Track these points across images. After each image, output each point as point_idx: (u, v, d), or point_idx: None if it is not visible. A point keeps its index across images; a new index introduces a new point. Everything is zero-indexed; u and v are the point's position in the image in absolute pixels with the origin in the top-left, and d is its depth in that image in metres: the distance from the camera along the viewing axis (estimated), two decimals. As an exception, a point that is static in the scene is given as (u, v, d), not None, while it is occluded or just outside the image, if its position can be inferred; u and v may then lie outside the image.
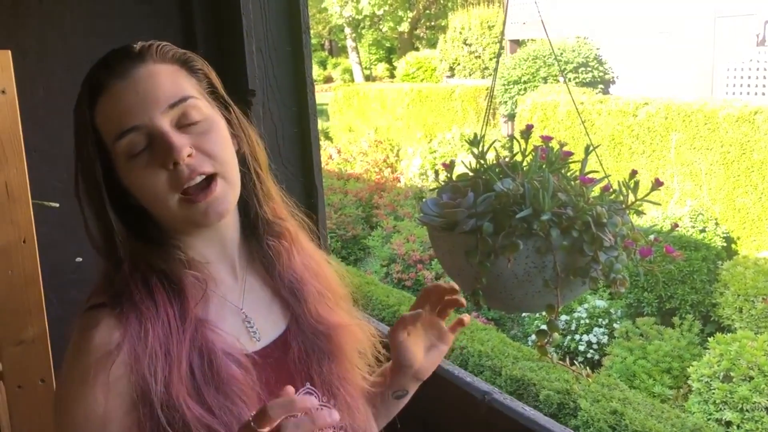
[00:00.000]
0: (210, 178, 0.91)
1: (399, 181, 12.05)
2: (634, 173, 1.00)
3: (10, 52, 1.39)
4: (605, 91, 12.78)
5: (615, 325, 6.30)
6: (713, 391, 4.84)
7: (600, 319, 6.34)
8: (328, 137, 17.04)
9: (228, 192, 0.93)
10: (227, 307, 0.98)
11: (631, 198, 0.99)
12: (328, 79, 30.18)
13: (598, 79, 12.91)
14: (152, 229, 0.96)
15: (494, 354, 4.65)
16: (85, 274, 1.68)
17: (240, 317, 0.99)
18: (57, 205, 1.71)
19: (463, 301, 1.11)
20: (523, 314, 6.15)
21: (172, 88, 0.91)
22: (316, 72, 30.09)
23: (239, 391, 0.89)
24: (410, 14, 25.77)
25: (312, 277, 1.08)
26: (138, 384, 0.85)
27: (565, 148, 1.04)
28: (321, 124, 17.60)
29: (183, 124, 0.90)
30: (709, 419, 4.79)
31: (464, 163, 1.08)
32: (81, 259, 1.89)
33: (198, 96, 0.93)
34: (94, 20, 1.99)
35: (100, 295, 0.92)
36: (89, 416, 0.85)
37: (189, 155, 0.88)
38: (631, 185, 0.99)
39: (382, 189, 10.67)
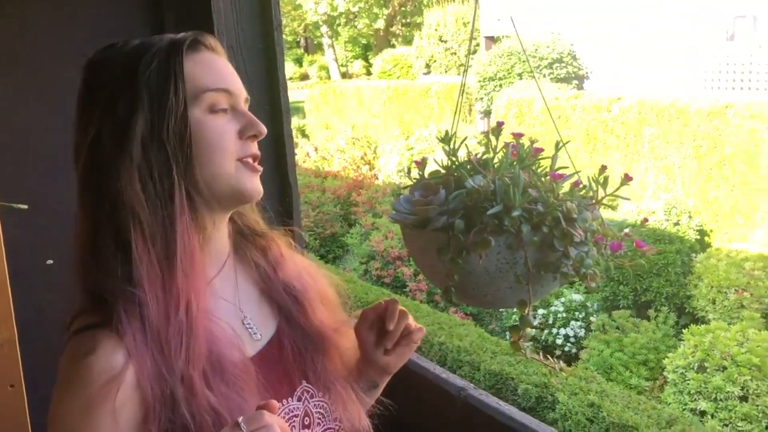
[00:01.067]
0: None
1: (377, 179, 12.05)
2: (603, 168, 1.00)
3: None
4: (580, 87, 12.89)
5: (591, 318, 6.37)
6: (688, 381, 4.91)
7: (577, 313, 6.41)
8: (304, 135, 16.97)
9: None
10: (227, 307, 1.00)
11: (601, 193, 1.00)
12: (305, 77, 30.06)
13: (573, 75, 13.01)
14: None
15: (473, 349, 4.68)
16: (56, 277, 1.65)
17: (239, 317, 1.01)
18: (25, 207, 1.68)
19: (396, 313, 1.10)
20: (499, 309, 6.19)
21: (245, 91, 1.00)
22: (293, 69, 29.98)
23: (242, 383, 0.90)
24: (386, 11, 25.76)
25: (310, 279, 1.11)
26: (150, 396, 0.83)
27: (540, 144, 1.04)
28: (297, 121, 17.52)
29: None
30: (684, 409, 4.86)
31: (436, 160, 1.08)
32: (52, 262, 1.86)
33: None
34: (58, 16, 1.95)
35: (87, 316, 0.88)
36: None
37: None
38: (601, 180, 1.00)
39: (360, 186, 10.65)
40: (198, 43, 0.95)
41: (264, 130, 0.96)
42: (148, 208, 0.88)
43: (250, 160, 0.96)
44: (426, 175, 1.07)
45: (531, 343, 1.06)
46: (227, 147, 0.93)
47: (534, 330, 6.17)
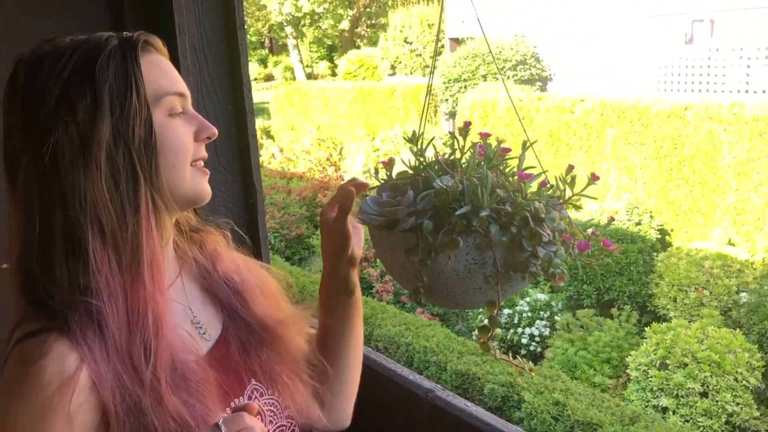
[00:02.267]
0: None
1: (343, 180, 12.00)
2: (570, 168, 1.01)
3: None
4: (543, 89, 13.05)
5: (556, 317, 6.44)
6: (650, 378, 4.99)
7: (541, 312, 6.47)
8: (269, 136, 16.85)
9: None
10: (178, 308, 0.98)
11: (569, 193, 1.00)
12: (269, 77, 29.87)
13: (536, 77, 13.17)
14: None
15: (439, 349, 4.68)
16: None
17: (189, 317, 1.00)
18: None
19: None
20: (468, 310, 6.22)
21: None
22: (257, 70, 29.76)
23: (202, 389, 0.89)
24: (350, 12, 25.74)
25: (246, 272, 1.10)
26: (111, 403, 0.81)
27: (504, 145, 1.04)
28: (262, 122, 17.39)
29: None
30: (646, 406, 4.94)
31: (403, 161, 1.07)
32: (7, 266, 1.80)
33: None
34: (14, 12, 1.89)
35: (33, 322, 0.84)
36: None
37: None
38: (568, 180, 1.00)
39: (326, 187, 10.61)
40: (148, 44, 0.93)
41: (216, 131, 0.97)
42: (113, 216, 0.84)
43: (201, 163, 0.97)
44: (393, 175, 1.06)
45: (497, 342, 1.06)
46: (187, 150, 0.93)
47: (500, 330, 6.21)
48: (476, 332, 6.28)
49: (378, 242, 1.05)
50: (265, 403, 1.03)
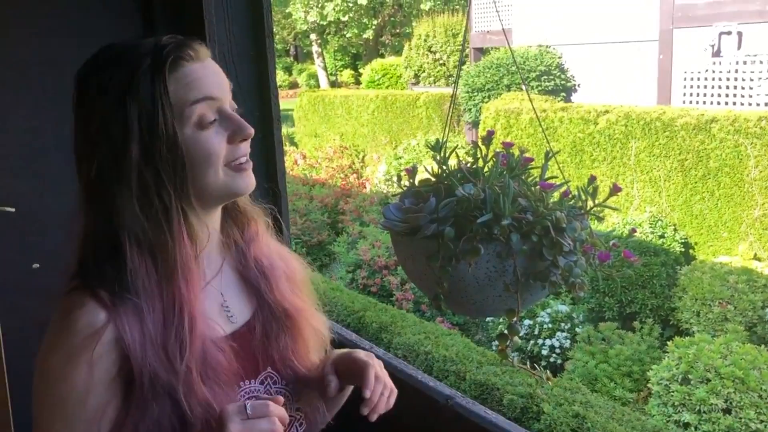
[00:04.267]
0: (247, 160, 1.03)
1: (365, 187, 12.05)
2: (593, 179, 1.01)
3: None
4: (567, 99, 12.98)
5: (577, 329, 6.39)
6: (672, 393, 4.93)
7: (562, 324, 6.42)
8: (293, 143, 16.96)
9: None
10: (208, 290, 1.04)
11: (590, 203, 1.01)
12: (294, 85, 30.06)
13: (560, 87, 13.11)
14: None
15: (459, 359, 4.67)
16: (42, 281, 1.64)
17: (219, 300, 1.06)
18: (13, 209, 1.67)
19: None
20: (487, 318, 6.19)
21: (227, 83, 1.03)
22: (282, 78, 29.97)
23: (225, 377, 0.97)
24: (375, 21, 25.84)
25: (277, 258, 1.16)
26: (136, 367, 0.91)
27: (527, 155, 1.05)
28: (286, 129, 17.49)
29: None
30: (668, 421, 4.88)
31: (426, 168, 1.09)
32: (38, 265, 1.85)
33: None
34: (47, 17, 1.94)
35: (82, 278, 0.95)
36: (72, 391, 0.92)
37: None
38: (590, 191, 1.01)
39: (348, 195, 10.65)
40: (178, 59, 0.97)
41: (251, 131, 1.01)
42: (147, 229, 0.94)
43: (242, 159, 1.01)
44: (416, 183, 1.08)
45: (517, 353, 1.07)
46: (218, 158, 0.98)
47: (520, 339, 6.18)
48: (496, 342, 6.24)
49: (399, 248, 1.07)
50: (276, 391, 1.09)
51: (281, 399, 0.90)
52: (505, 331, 0.97)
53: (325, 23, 25.13)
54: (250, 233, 1.14)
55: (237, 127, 0.99)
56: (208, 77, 0.99)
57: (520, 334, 6.29)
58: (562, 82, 13.15)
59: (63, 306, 0.94)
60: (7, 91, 1.81)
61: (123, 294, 0.92)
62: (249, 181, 1.03)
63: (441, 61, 18.49)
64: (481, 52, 15.60)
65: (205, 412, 0.92)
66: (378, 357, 1.68)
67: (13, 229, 1.66)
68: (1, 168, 1.66)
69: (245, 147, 1.01)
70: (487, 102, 12.40)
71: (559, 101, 11.69)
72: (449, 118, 1.20)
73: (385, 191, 11.02)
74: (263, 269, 1.13)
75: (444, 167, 1.05)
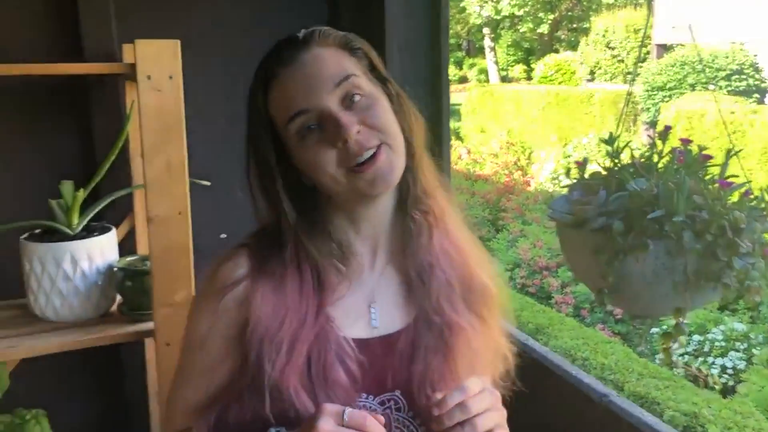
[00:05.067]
0: (376, 150, 0.92)
1: (529, 185, 11.82)
2: (779, 181, 0.96)
3: (179, 42, 1.53)
4: (761, 101, 11.88)
5: (755, 350, 5.87)
6: None
7: (738, 343, 5.93)
8: (459, 137, 17.02)
9: (394, 160, 0.94)
10: (358, 293, 0.99)
11: (775, 205, 0.96)
12: (463, 79, 30.09)
13: (753, 88, 12.02)
14: (313, 212, 0.99)
15: (617, 368, 4.50)
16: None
17: (366, 303, 0.99)
18: (209, 183, 1.86)
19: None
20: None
21: (336, 68, 0.94)
22: (453, 72, 30.10)
23: (340, 396, 0.90)
24: (551, 16, 25.17)
25: (446, 263, 1.02)
26: (251, 338, 0.91)
27: (706, 152, 1.01)
28: (453, 123, 17.54)
29: (348, 102, 0.93)
30: None
31: (598, 162, 1.09)
32: (225, 236, 2.05)
33: (359, 74, 0.96)
34: (245, 15, 2.14)
35: (246, 242, 1.00)
36: (194, 333, 0.97)
37: (357, 132, 0.91)
38: (776, 192, 0.95)
39: (511, 192, 10.50)
40: (271, 74, 0.95)
41: (347, 134, 0.90)
42: (296, 217, 0.96)
43: (357, 161, 0.91)
44: (586, 176, 1.08)
45: (682, 369, 1.03)
46: (328, 168, 0.92)
47: (688, 356, 5.80)
48: (660, 355, 5.91)
49: (565, 240, 1.08)
50: (396, 419, 0.96)
51: (382, 419, 0.83)
52: (670, 330, 0.95)
53: (499, 17, 24.89)
54: (423, 225, 1.01)
55: (333, 133, 0.91)
56: (298, 84, 0.93)
57: (689, 350, 5.90)
58: (756, 82, 12.06)
59: (218, 257, 0.99)
60: (216, 79, 2.02)
61: (273, 268, 0.94)
62: (375, 179, 0.92)
63: (619, 58, 17.66)
64: (665, 48, 14.69)
65: (297, 412, 0.88)
66: (534, 350, 1.67)
67: (209, 201, 1.85)
68: (206, 150, 1.86)
69: (357, 145, 0.91)
70: (667, 101, 11.68)
71: (751, 103, 10.73)
72: (623, 113, 1.18)
73: (550, 190, 10.74)
74: (422, 271, 1.01)
75: (616, 161, 1.04)
